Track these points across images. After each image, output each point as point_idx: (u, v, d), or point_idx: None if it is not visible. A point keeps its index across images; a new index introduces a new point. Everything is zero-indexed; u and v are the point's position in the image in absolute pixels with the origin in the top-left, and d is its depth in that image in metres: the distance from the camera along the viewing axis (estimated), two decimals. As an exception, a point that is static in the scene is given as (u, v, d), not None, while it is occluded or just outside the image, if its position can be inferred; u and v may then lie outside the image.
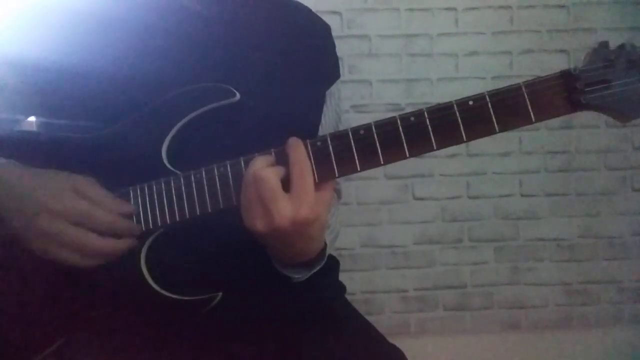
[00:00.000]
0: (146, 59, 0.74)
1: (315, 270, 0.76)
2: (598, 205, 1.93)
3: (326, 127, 0.87)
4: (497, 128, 0.64)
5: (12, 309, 0.73)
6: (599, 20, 1.87)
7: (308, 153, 0.65)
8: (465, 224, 1.92)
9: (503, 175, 1.91)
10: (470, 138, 0.64)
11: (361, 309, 0.90)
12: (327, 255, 0.77)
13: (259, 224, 0.64)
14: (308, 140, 0.66)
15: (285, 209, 0.62)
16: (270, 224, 0.63)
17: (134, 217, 0.71)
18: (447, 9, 1.86)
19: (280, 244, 0.67)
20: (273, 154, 0.67)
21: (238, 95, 0.71)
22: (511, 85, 0.63)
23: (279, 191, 0.63)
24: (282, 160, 0.66)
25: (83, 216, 0.67)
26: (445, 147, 0.64)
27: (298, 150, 0.64)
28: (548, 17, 1.87)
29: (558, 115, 0.63)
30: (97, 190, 0.69)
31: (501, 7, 1.87)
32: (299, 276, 0.75)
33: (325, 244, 0.75)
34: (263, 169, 0.63)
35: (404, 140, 0.64)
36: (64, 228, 0.66)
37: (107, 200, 0.69)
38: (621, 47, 0.62)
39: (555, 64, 1.85)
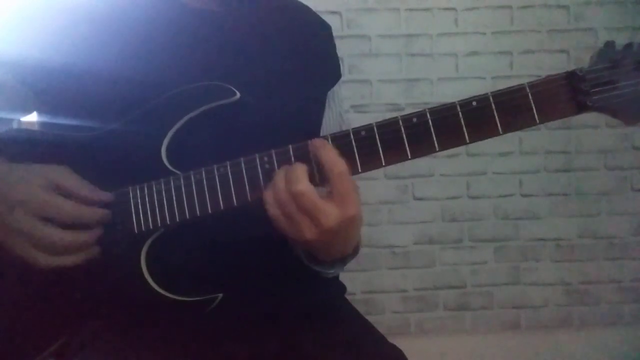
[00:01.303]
0: (146, 58, 0.74)
1: (348, 262, 0.76)
2: (598, 205, 1.93)
3: (329, 127, 0.87)
4: (500, 130, 0.63)
5: (13, 309, 0.73)
6: (599, 20, 1.87)
7: (308, 154, 0.65)
8: (465, 224, 1.92)
9: (503, 175, 1.91)
10: (473, 139, 0.63)
11: (361, 309, 0.90)
12: (360, 247, 0.77)
13: (308, 235, 0.63)
14: (309, 141, 0.66)
15: (332, 214, 0.62)
16: (319, 232, 0.62)
17: (134, 216, 0.70)
18: (447, 9, 1.86)
19: (327, 245, 0.66)
20: (291, 151, 0.66)
21: (238, 94, 0.70)
22: (515, 85, 0.62)
23: (320, 199, 0.62)
24: (303, 159, 0.65)
25: (50, 209, 0.66)
26: (447, 148, 0.63)
27: (330, 152, 0.63)
28: (548, 17, 1.88)
29: (563, 117, 0.62)
30: (70, 181, 0.68)
31: (501, 7, 1.87)
32: (333, 270, 0.74)
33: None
34: (296, 184, 0.62)
35: (405, 142, 0.63)
36: (33, 224, 0.65)
37: (81, 189, 0.68)
38: (628, 46, 0.60)
39: (555, 64, 1.85)
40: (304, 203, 0.61)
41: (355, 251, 0.75)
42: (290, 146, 0.66)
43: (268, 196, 0.64)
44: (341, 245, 0.69)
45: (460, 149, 1.88)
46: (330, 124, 0.88)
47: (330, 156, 0.63)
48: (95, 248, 0.70)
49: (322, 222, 0.61)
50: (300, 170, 0.63)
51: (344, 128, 0.81)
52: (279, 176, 0.64)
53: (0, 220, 0.66)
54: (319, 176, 0.64)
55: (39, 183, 0.67)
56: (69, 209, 0.67)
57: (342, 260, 0.74)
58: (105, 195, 0.70)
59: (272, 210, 0.64)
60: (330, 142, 0.65)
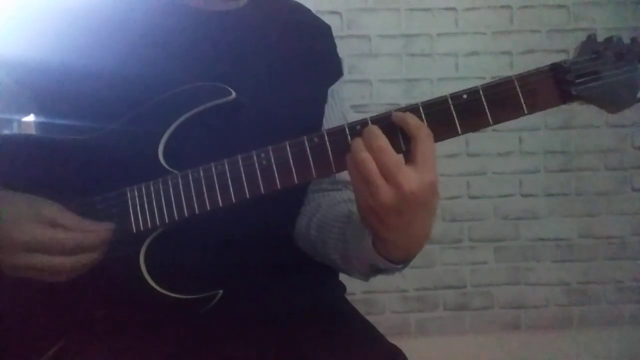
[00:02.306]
0: (144, 59, 0.74)
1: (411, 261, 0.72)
2: (598, 205, 1.93)
3: (329, 126, 0.87)
4: (491, 120, 0.65)
5: (13, 311, 0.73)
6: (599, 20, 1.87)
7: (305, 150, 0.65)
8: (465, 224, 1.92)
9: (503, 175, 1.91)
10: (465, 131, 0.65)
11: (361, 309, 0.90)
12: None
13: (386, 198, 0.59)
14: (305, 137, 0.66)
15: (413, 176, 0.59)
16: (399, 196, 0.59)
17: (132, 216, 0.70)
18: (447, 9, 1.86)
19: (405, 218, 0.62)
20: (289, 153, 0.66)
21: (234, 94, 0.71)
22: (503, 78, 0.65)
23: (401, 160, 0.61)
24: (300, 154, 0.65)
25: (49, 244, 0.65)
26: (440, 140, 0.65)
27: (414, 117, 0.62)
28: (548, 17, 1.88)
29: (550, 107, 0.65)
30: (66, 218, 0.68)
31: (501, 7, 1.87)
32: (400, 266, 0.71)
33: None
34: (376, 139, 0.60)
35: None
36: (30, 258, 0.65)
37: (79, 224, 0.68)
38: (609, 39, 0.64)
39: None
40: (384, 159, 0.59)
41: (425, 240, 0.70)
42: (287, 142, 0.66)
43: (347, 160, 0.62)
44: (420, 223, 0.64)
45: (461, 149, 1.88)
46: (332, 124, 0.87)
47: (415, 120, 0.62)
48: (105, 245, 0.69)
49: (402, 183, 0.59)
50: (377, 130, 0.61)
51: None
52: (356, 139, 0.62)
53: (2, 260, 0.66)
54: (398, 145, 0.63)
55: (35, 220, 0.66)
56: (68, 240, 0.66)
57: (408, 257, 0.70)
58: (104, 226, 0.69)
59: (351, 174, 0.62)
60: (326, 137, 0.65)
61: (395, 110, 0.65)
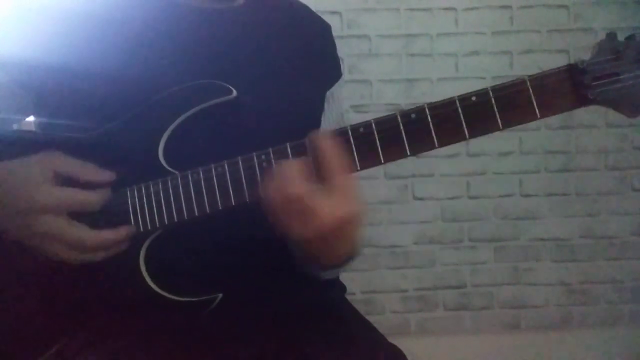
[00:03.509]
0: (143, 57, 0.74)
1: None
2: (598, 205, 1.93)
3: (327, 127, 0.87)
4: (500, 125, 0.61)
5: (13, 311, 0.73)
6: (599, 20, 1.87)
7: (307, 151, 0.65)
8: (465, 224, 1.92)
9: (503, 175, 1.91)
10: (473, 135, 0.62)
11: (361, 309, 0.90)
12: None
13: (306, 233, 0.61)
14: (306, 138, 0.66)
15: (330, 213, 0.60)
16: (318, 229, 0.60)
17: (132, 216, 0.70)
18: (447, 9, 1.86)
19: (327, 245, 0.64)
20: (289, 149, 0.65)
21: (235, 93, 0.70)
22: (515, 79, 0.61)
23: (318, 198, 0.60)
24: (302, 154, 0.64)
25: (73, 204, 0.66)
26: (447, 144, 0.62)
27: (329, 146, 0.61)
28: (548, 17, 1.88)
29: (564, 111, 0.61)
30: (68, 166, 0.68)
31: (501, 7, 1.87)
32: (329, 273, 0.73)
33: None
34: (293, 185, 0.60)
35: (404, 138, 0.62)
36: (60, 226, 0.65)
37: (81, 172, 0.68)
38: (630, 38, 0.59)
39: (555, 64, 1.84)
40: (299, 205, 0.60)
41: (356, 253, 0.73)
42: (287, 144, 0.66)
43: (265, 195, 0.63)
44: (343, 246, 0.66)
45: (461, 149, 1.88)
46: (330, 124, 0.87)
47: (329, 150, 0.61)
48: (125, 243, 0.69)
49: (317, 224, 0.60)
50: (294, 170, 0.61)
51: None
52: (275, 175, 0.62)
53: (16, 222, 0.66)
54: (318, 173, 0.62)
55: (43, 181, 0.66)
56: (83, 199, 0.67)
57: (345, 262, 0.72)
58: (109, 174, 0.69)
59: (269, 208, 0.63)
60: None
61: (401, 116, 0.63)
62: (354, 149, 0.64)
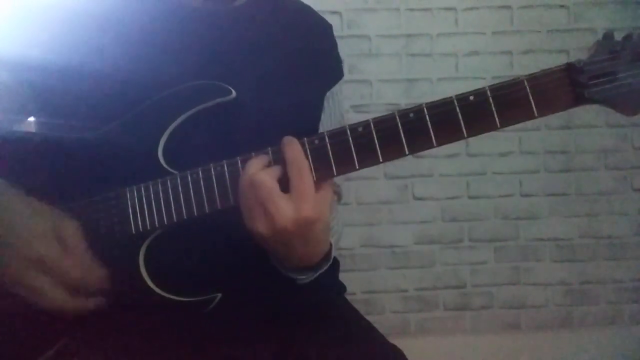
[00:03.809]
0: (143, 58, 0.74)
1: (320, 272, 0.74)
2: (598, 205, 1.93)
3: (328, 127, 0.87)
4: (498, 123, 0.62)
5: (13, 311, 0.73)
6: (599, 20, 1.87)
7: (305, 151, 0.64)
8: (465, 224, 1.92)
9: (503, 175, 1.91)
10: (471, 134, 0.62)
11: (361, 309, 0.90)
12: (332, 257, 0.76)
13: (260, 227, 0.62)
14: (305, 138, 0.65)
15: (286, 210, 0.61)
16: (271, 226, 0.62)
17: (131, 216, 0.70)
18: (447, 9, 1.86)
19: (284, 247, 0.66)
20: (270, 153, 0.66)
21: (234, 93, 0.70)
22: (513, 79, 0.61)
23: (277, 192, 0.62)
24: (280, 159, 0.65)
25: (53, 266, 0.65)
26: (445, 143, 0.63)
27: (294, 148, 0.63)
28: (548, 17, 1.87)
29: (562, 110, 0.61)
30: (77, 240, 0.67)
31: (501, 7, 1.87)
32: (304, 277, 0.74)
33: (331, 245, 0.74)
34: (258, 172, 0.62)
35: (403, 137, 0.63)
36: (40, 282, 0.65)
37: (81, 255, 0.67)
38: (627, 37, 0.60)
39: (555, 64, 1.85)
40: (260, 192, 0.62)
41: (326, 260, 0.73)
42: None
43: (236, 188, 0.65)
44: (302, 252, 0.67)
45: (461, 149, 1.88)
46: (329, 123, 0.87)
47: (292, 153, 0.63)
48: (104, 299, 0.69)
49: (274, 217, 0.61)
50: (260, 159, 0.64)
51: None
52: (249, 163, 0.64)
53: (9, 266, 0.65)
54: (285, 176, 0.64)
55: (51, 238, 0.66)
56: (75, 276, 0.66)
57: (312, 268, 0.73)
58: (99, 271, 0.68)
59: (236, 197, 0.64)
60: (327, 139, 0.65)
61: (400, 116, 0.63)
62: (353, 148, 0.64)
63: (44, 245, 0.65)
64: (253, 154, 0.67)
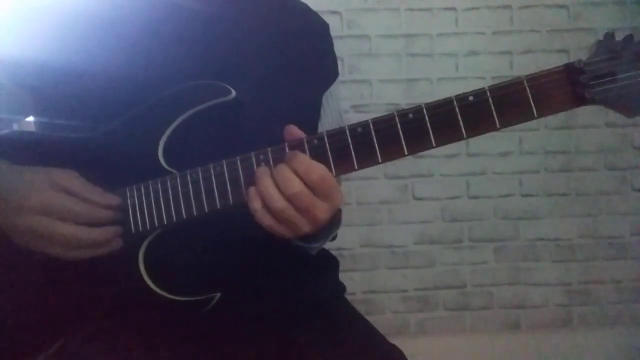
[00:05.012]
0: (142, 58, 0.74)
1: (333, 235, 0.78)
2: (598, 205, 1.93)
3: (327, 126, 0.87)
4: (498, 124, 0.61)
5: (13, 310, 0.73)
6: (599, 20, 1.87)
7: (304, 151, 0.65)
8: (465, 224, 1.92)
9: (503, 175, 1.91)
10: (470, 135, 0.62)
11: (361, 309, 0.90)
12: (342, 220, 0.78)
13: (305, 230, 0.64)
14: (305, 138, 0.65)
15: (326, 207, 0.63)
16: (315, 225, 0.64)
17: (131, 216, 0.70)
18: (447, 9, 1.86)
19: (318, 230, 0.67)
20: (270, 153, 0.66)
21: (234, 93, 0.70)
22: (513, 79, 0.61)
23: (314, 197, 0.63)
24: (280, 159, 0.65)
25: (65, 210, 0.67)
26: (444, 144, 0.63)
27: (303, 161, 0.63)
28: (548, 17, 1.87)
29: (561, 111, 0.61)
30: (78, 185, 0.69)
31: (501, 7, 1.87)
32: (317, 244, 0.75)
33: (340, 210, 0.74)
34: (291, 186, 0.62)
35: (402, 138, 0.63)
36: (49, 223, 0.66)
37: (90, 194, 0.69)
38: (628, 38, 0.59)
39: (555, 64, 1.84)
40: (302, 203, 0.62)
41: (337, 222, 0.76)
42: (286, 143, 0.66)
43: (256, 206, 0.63)
44: (329, 226, 0.70)
45: (461, 149, 1.88)
46: (330, 123, 0.87)
47: (305, 165, 0.63)
48: (118, 241, 0.70)
49: (318, 217, 0.63)
50: (287, 172, 0.63)
51: None
52: (267, 184, 0.63)
53: (8, 220, 0.66)
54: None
55: (49, 187, 0.67)
56: (83, 211, 0.68)
57: (329, 234, 0.76)
58: (114, 199, 0.70)
59: (265, 219, 0.63)
60: (326, 139, 0.65)
61: (399, 116, 0.64)
62: (352, 148, 0.64)
63: (44, 193, 0.66)
64: (253, 153, 0.67)
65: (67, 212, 0.67)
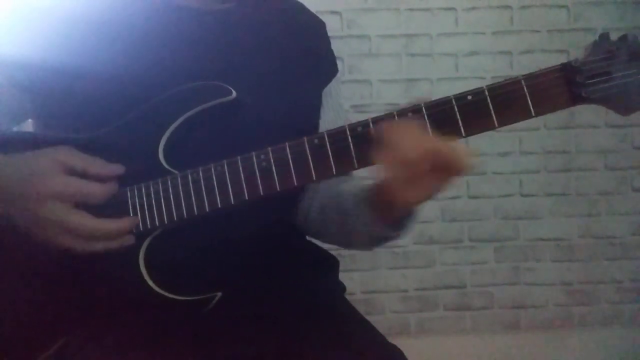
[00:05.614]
0: (142, 59, 0.74)
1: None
2: (598, 205, 1.93)
3: (327, 123, 0.87)
4: (496, 123, 0.62)
5: (13, 310, 0.73)
6: (599, 20, 1.87)
7: (305, 150, 0.65)
8: (465, 224, 1.92)
9: (503, 175, 1.91)
10: (469, 133, 0.63)
11: (361, 309, 0.89)
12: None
13: (434, 191, 0.62)
14: (305, 138, 0.66)
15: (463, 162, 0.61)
16: (447, 184, 0.62)
17: (132, 215, 0.70)
18: (447, 9, 1.86)
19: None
20: (289, 154, 0.66)
21: (234, 93, 0.71)
22: (510, 78, 0.62)
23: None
24: (299, 155, 0.65)
25: (79, 194, 0.67)
26: None
27: (413, 135, 0.61)
28: (548, 17, 1.88)
29: (559, 109, 0.62)
30: (78, 159, 0.69)
31: (501, 7, 1.87)
32: (400, 232, 0.73)
33: None
34: (429, 139, 0.60)
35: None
36: (65, 213, 0.66)
37: (90, 166, 0.69)
38: (623, 38, 0.61)
39: (555, 64, 1.85)
40: (436, 158, 0.59)
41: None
42: (287, 143, 0.66)
43: (388, 160, 0.61)
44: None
45: (460, 149, 1.88)
46: (329, 120, 0.87)
47: (423, 144, 0.60)
48: (130, 237, 0.70)
49: (459, 171, 0.60)
50: (420, 127, 0.61)
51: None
52: (401, 133, 0.61)
53: (19, 210, 0.66)
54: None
55: (57, 170, 0.67)
56: (95, 191, 0.68)
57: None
58: (116, 167, 0.70)
59: (396, 172, 0.61)
60: (326, 138, 0.65)
61: (398, 115, 0.63)
62: (352, 147, 0.64)
63: (55, 178, 0.66)
64: (253, 153, 0.67)
65: (81, 195, 0.67)
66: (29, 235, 0.67)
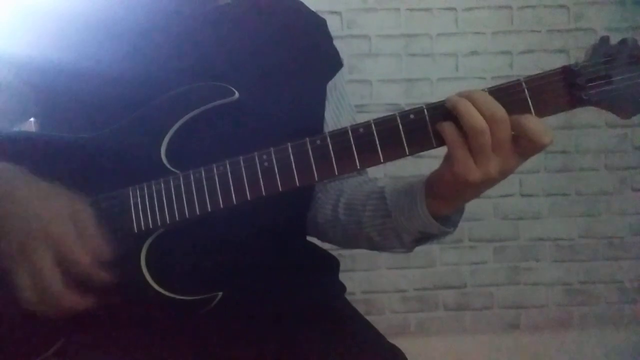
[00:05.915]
0: (144, 59, 0.74)
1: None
2: (598, 205, 1.93)
3: (333, 118, 0.87)
4: None
5: (12, 310, 0.73)
6: (599, 20, 1.87)
7: (307, 151, 0.65)
8: (465, 224, 1.92)
9: (503, 175, 1.91)
10: None
11: (361, 309, 0.90)
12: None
13: (493, 170, 0.61)
14: (308, 139, 0.66)
15: (517, 161, 0.62)
16: (503, 168, 0.62)
17: (133, 215, 0.70)
18: (447, 9, 1.86)
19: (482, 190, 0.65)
20: (291, 154, 0.65)
21: (237, 94, 0.71)
22: (511, 81, 0.63)
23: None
24: (301, 156, 0.65)
25: (69, 253, 0.63)
26: (444, 144, 0.63)
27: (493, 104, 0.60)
28: (548, 17, 1.88)
29: (559, 112, 0.63)
30: (90, 225, 0.65)
31: (501, 7, 1.87)
32: (451, 229, 0.73)
33: None
34: (498, 107, 0.60)
35: (403, 138, 0.64)
36: (45, 263, 0.62)
37: (94, 237, 0.65)
38: (622, 42, 0.61)
39: (555, 64, 1.83)
40: (503, 133, 0.59)
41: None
42: (289, 144, 0.66)
43: (449, 129, 0.61)
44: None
45: (461, 149, 1.88)
46: (334, 114, 0.87)
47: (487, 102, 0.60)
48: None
49: (510, 164, 0.61)
50: (493, 99, 0.60)
51: (357, 120, 0.79)
52: (467, 104, 0.60)
53: (16, 230, 0.63)
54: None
55: (66, 214, 0.64)
56: (83, 261, 0.64)
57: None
58: (106, 253, 0.66)
59: (455, 141, 0.61)
60: (329, 139, 0.65)
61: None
62: (354, 148, 0.65)
63: (59, 224, 0.63)
64: (255, 153, 0.67)
65: (70, 253, 0.63)
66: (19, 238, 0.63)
